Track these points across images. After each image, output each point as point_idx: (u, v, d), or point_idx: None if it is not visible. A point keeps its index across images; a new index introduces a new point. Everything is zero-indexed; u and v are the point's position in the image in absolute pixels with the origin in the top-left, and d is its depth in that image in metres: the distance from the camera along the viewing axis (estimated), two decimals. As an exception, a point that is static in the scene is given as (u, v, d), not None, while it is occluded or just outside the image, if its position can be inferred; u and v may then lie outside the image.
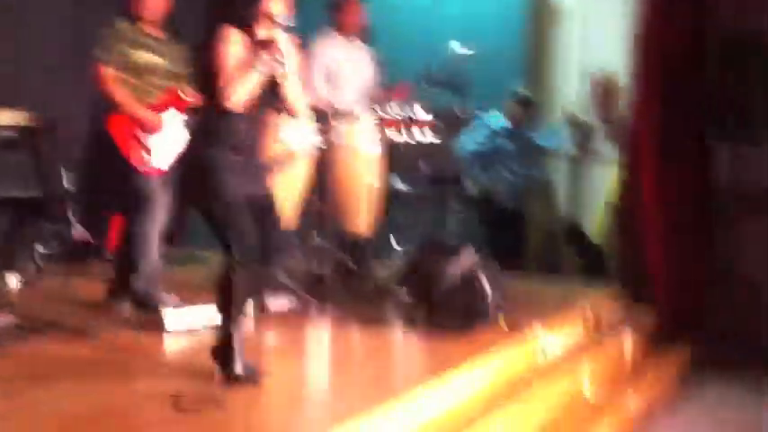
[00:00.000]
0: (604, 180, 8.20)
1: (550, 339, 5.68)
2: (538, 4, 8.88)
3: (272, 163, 5.93)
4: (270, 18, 4.39)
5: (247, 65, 4.32)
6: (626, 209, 7.47)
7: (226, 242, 4.34)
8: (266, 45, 4.36)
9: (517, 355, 5.35)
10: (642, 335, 6.70)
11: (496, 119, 8.33)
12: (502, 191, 8.31)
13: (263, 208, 4.46)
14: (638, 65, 7.28)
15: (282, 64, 4.38)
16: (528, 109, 8.44)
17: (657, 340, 6.91)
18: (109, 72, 5.65)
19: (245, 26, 4.39)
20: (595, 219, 8.37)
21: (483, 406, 4.65)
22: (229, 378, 4.30)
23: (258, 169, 4.54)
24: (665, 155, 7.30)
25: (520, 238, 8.50)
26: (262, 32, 4.40)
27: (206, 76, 4.40)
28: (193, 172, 4.42)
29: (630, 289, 7.20)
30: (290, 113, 4.57)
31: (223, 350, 4.34)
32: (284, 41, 4.38)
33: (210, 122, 4.39)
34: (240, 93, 4.29)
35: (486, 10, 8.57)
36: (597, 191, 8.32)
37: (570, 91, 8.76)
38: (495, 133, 8.32)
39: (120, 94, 5.64)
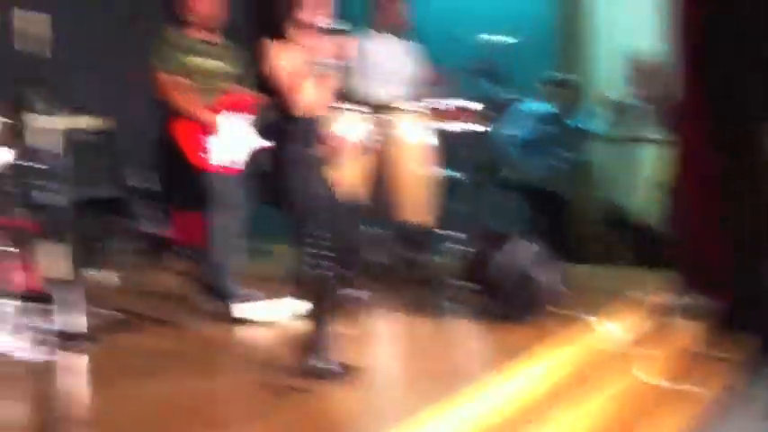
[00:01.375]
0: (648, 162, 8.26)
1: (612, 327, 5.78)
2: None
3: (331, 158, 6.27)
4: (311, 27, 4.68)
5: (301, 71, 4.62)
6: (676, 190, 7.41)
7: (305, 238, 4.64)
8: (314, 51, 4.66)
9: (581, 344, 5.45)
10: (704, 322, 6.66)
11: (537, 105, 8.40)
12: (548, 177, 8.40)
13: (341, 205, 4.77)
14: (677, 45, 7.23)
15: (331, 65, 4.67)
16: (568, 93, 8.52)
17: (720, 328, 6.75)
18: (167, 78, 5.94)
19: (289, 37, 4.68)
20: (641, 202, 8.42)
21: (548, 396, 4.77)
22: (316, 371, 4.53)
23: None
24: (713, 134, 7.19)
25: (566, 224, 8.56)
26: (307, 41, 4.69)
27: (267, 83, 4.72)
28: (273, 170, 4.76)
29: (687, 275, 7.12)
30: (343, 106, 4.85)
31: (309, 344, 4.59)
32: (330, 44, 4.67)
33: (282, 123, 4.71)
34: (302, 99, 4.59)
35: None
36: (641, 173, 8.35)
37: (607, 73, 8.81)
38: (538, 119, 8.39)
39: (180, 99, 5.92)
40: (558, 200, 8.50)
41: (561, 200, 8.54)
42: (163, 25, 6.37)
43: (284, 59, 4.64)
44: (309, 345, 4.59)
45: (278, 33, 4.70)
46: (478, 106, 6.78)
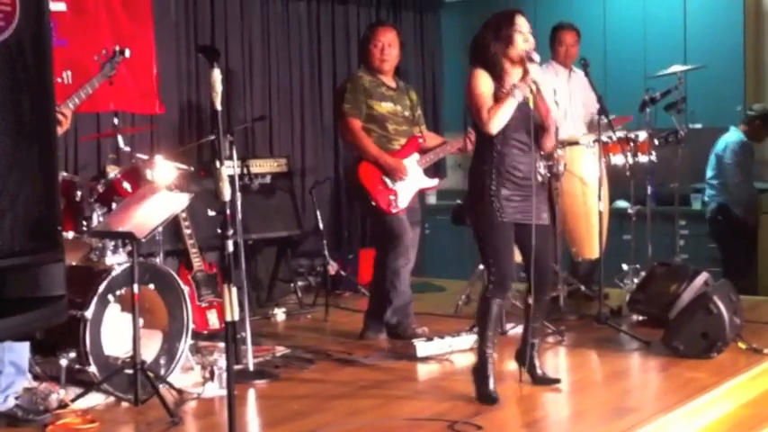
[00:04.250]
0: None
1: None
2: (755, 12, 8.73)
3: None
4: (520, 59, 4.84)
5: (501, 96, 4.78)
6: None
7: (487, 265, 4.86)
8: (522, 77, 4.82)
9: (760, 378, 5.33)
10: None
11: (732, 134, 8.14)
12: (739, 206, 8.11)
13: (538, 234, 4.82)
14: None
15: (533, 89, 4.84)
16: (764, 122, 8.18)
17: None
18: (355, 123, 6.13)
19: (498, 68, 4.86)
20: None
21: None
22: (484, 397, 4.73)
23: (536, 196, 4.86)
24: None
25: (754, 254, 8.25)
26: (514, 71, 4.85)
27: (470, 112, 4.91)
28: (470, 195, 4.94)
29: None
30: (545, 129, 4.97)
31: (480, 371, 4.78)
32: (535, 71, 4.84)
33: (481, 151, 4.87)
34: (498, 120, 4.76)
35: (702, 23, 8.56)
36: None
37: None
38: (731, 148, 8.09)
39: (367, 143, 6.10)
40: (745, 229, 8.15)
41: (749, 229, 8.20)
42: (354, 72, 6.60)
43: (485, 84, 4.81)
44: (479, 372, 4.79)
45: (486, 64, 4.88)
46: (647, 137, 6.75)
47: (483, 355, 4.80)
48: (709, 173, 8.15)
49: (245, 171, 6.94)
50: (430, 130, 6.85)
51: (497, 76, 4.85)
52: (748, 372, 5.30)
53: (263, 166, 7.39)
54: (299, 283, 7.52)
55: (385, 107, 6.18)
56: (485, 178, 4.79)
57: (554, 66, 7.24)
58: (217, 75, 3.79)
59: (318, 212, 7.45)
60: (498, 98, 4.80)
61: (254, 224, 7.02)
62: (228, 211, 3.83)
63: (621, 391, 5.10)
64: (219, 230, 3.77)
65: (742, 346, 5.64)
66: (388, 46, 6.22)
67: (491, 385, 4.77)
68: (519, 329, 6.08)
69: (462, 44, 9.42)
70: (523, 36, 4.86)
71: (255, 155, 7.64)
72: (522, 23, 4.88)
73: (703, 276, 6.12)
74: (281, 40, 8.20)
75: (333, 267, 7.47)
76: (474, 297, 6.79)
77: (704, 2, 8.62)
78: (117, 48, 5.35)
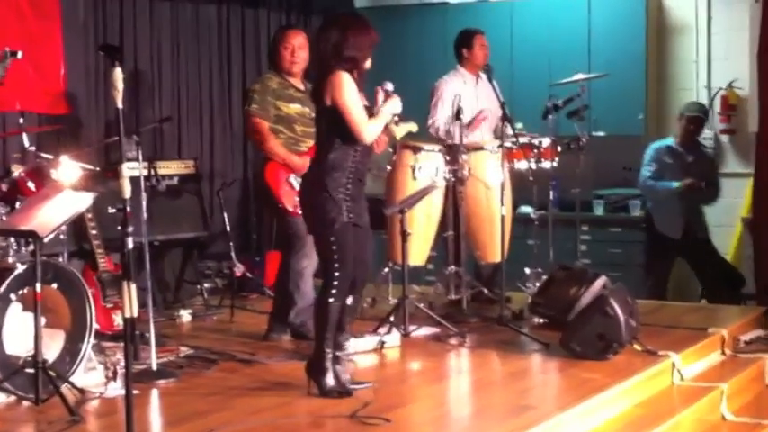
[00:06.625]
0: (737, 196, 8.28)
1: (687, 363, 5.79)
2: (657, 22, 8.96)
3: (410, 198, 6.43)
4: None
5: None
6: (759, 224, 7.39)
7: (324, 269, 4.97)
8: None
9: (654, 380, 5.48)
10: None
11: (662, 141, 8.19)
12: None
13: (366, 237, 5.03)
14: (764, 77, 7.28)
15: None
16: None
17: None
18: (262, 124, 6.16)
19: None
20: (730, 236, 8.42)
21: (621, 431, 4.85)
22: (322, 391, 4.84)
23: (364, 200, 5.05)
24: None
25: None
26: None
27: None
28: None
29: None
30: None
31: (315, 367, 4.88)
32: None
33: (325, 158, 4.95)
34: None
35: (605, 33, 8.75)
36: (731, 207, 8.37)
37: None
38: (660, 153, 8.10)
39: (273, 143, 6.14)
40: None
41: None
42: (263, 73, 6.61)
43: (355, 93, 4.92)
44: (315, 368, 4.90)
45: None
46: (549, 143, 6.90)
47: (322, 352, 4.88)
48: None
49: (153, 172, 6.91)
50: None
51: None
52: (643, 373, 5.44)
53: (171, 168, 7.37)
54: (206, 285, 7.53)
55: (293, 109, 6.23)
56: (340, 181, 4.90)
57: (461, 72, 7.35)
58: (118, 74, 3.81)
59: (226, 214, 7.48)
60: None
61: (161, 225, 7.01)
62: (129, 209, 3.86)
63: (520, 390, 5.21)
64: (119, 227, 3.80)
65: (638, 348, 5.77)
66: (299, 49, 6.27)
67: (331, 379, 4.87)
68: (422, 331, 6.26)
69: (373, 51, 9.55)
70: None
71: (164, 156, 7.63)
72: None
73: (602, 280, 6.25)
74: (190, 42, 8.21)
75: (239, 269, 7.49)
76: (379, 299, 6.88)
77: (608, 12, 8.82)
78: (7, 49, 5.32)
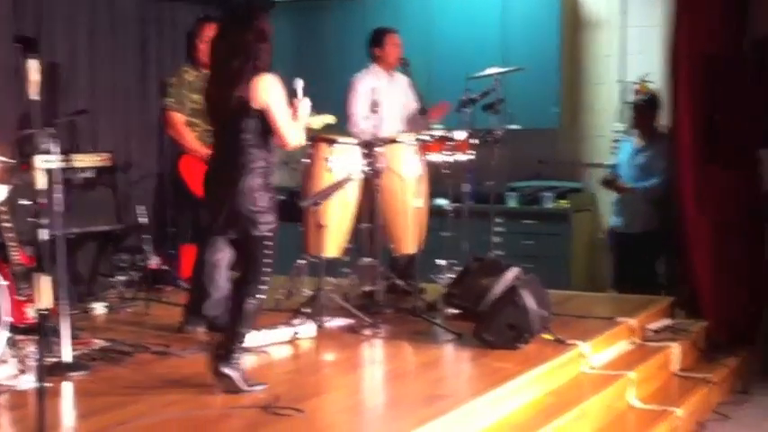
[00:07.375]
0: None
1: (596, 351, 5.92)
2: (572, 16, 9.08)
3: (325, 190, 6.47)
4: None
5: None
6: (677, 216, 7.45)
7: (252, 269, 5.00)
8: None
9: (563, 368, 5.61)
10: (692, 346, 6.80)
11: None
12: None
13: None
14: (675, 73, 7.41)
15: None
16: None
17: (708, 352, 6.95)
18: (177, 117, 6.16)
19: None
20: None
21: (531, 420, 4.93)
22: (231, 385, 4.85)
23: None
24: (709, 162, 7.36)
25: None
26: None
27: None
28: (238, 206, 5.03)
29: (681, 300, 7.33)
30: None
31: (225, 360, 4.89)
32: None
33: (255, 160, 4.97)
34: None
35: (521, 27, 8.89)
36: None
37: (609, 103, 8.97)
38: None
39: (188, 136, 6.15)
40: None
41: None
42: (180, 66, 6.59)
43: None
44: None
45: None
46: (465, 136, 6.98)
47: (234, 347, 4.92)
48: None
49: (68, 165, 6.86)
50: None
51: None
52: (552, 361, 5.55)
53: (87, 161, 7.29)
54: (121, 278, 7.49)
55: None
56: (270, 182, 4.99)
57: (374, 70, 7.41)
58: (32, 65, 3.81)
59: (141, 207, 7.45)
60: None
61: (76, 218, 6.94)
62: (43, 201, 3.85)
63: (433, 379, 5.30)
64: (31, 219, 3.80)
65: (548, 337, 5.89)
66: (215, 42, 6.28)
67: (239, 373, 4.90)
68: (337, 322, 6.32)
69: (293, 45, 9.59)
70: None
71: (80, 149, 7.56)
72: None
73: (514, 271, 6.31)
74: (107, 34, 8.17)
75: (154, 262, 7.48)
76: (294, 291, 6.91)
77: (523, 5, 8.96)
78: None
